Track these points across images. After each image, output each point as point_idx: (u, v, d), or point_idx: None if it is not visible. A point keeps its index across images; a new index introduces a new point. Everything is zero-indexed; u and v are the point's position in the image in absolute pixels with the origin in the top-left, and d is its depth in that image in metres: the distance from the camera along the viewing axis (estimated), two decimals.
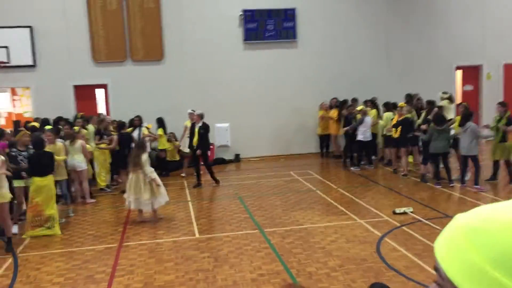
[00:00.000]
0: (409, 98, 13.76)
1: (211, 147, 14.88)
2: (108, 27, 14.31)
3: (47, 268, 6.84)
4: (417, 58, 16.20)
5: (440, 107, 11.84)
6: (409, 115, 11.92)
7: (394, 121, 12.02)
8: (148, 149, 11.82)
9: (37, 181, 8.22)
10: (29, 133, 9.48)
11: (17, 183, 8.57)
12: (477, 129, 10.34)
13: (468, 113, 10.44)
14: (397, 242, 7.23)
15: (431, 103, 12.28)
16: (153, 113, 13.42)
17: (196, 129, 11.39)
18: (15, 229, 8.43)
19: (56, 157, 9.11)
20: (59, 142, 9.76)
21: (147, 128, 12.76)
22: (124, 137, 11.38)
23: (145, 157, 8.76)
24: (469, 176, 10.56)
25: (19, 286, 6.25)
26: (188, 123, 12.37)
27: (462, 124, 10.26)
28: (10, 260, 7.22)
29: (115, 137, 11.51)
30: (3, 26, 13.66)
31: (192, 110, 12.06)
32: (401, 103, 12.64)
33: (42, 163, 8.30)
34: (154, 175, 8.76)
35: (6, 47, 13.62)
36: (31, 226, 8.29)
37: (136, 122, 12.58)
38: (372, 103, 13.93)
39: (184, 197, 10.65)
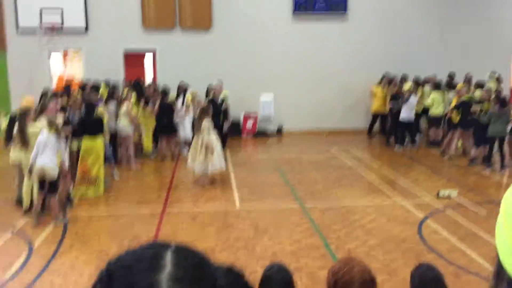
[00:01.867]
0: (465, 79, 13.25)
1: (254, 118, 14.94)
2: None
3: (94, 227, 7.14)
4: (472, 38, 15.55)
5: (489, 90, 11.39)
6: (466, 97, 11.43)
7: (453, 103, 11.68)
8: (191, 116, 11.97)
9: (87, 141, 8.50)
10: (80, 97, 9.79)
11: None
12: None
13: None
14: (440, 225, 7.12)
15: (480, 86, 11.89)
16: (199, 80, 13.48)
17: (221, 102, 10.81)
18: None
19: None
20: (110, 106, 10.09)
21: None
22: (164, 106, 11.49)
23: (206, 123, 9.05)
24: None
25: (68, 242, 6.57)
26: (190, 97, 12.01)
27: None
28: (60, 217, 7.56)
29: (156, 105, 11.65)
30: None
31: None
32: (459, 84, 12.22)
33: (92, 125, 8.60)
34: (210, 141, 9.02)
35: (60, 8, 13.95)
36: (78, 184, 8.62)
37: (181, 88, 12.54)
38: (416, 83, 13.41)
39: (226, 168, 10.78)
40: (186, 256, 0.86)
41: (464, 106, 11.07)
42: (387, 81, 14.19)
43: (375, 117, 14.58)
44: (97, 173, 8.67)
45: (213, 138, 9.19)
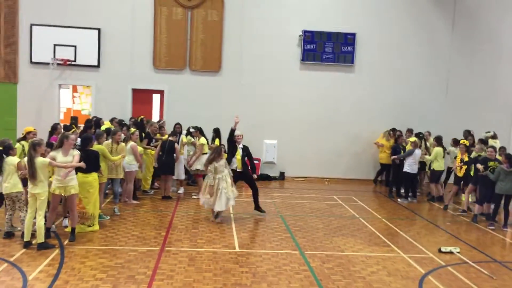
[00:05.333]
0: (468, 135, 13.38)
1: (258, 163, 14.98)
2: (171, 36, 14.77)
3: (91, 263, 7.04)
4: (477, 94, 15.80)
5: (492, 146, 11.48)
6: (477, 154, 11.49)
7: (458, 158, 11.75)
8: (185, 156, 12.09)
9: (80, 177, 8.29)
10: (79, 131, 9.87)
11: None
12: None
13: None
14: (441, 282, 7.00)
15: (484, 142, 11.99)
16: (205, 121, 13.57)
17: (239, 150, 10.51)
18: (65, 222, 8.77)
19: (114, 157, 9.48)
20: (122, 143, 10.13)
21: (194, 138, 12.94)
22: (167, 144, 11.57)
23: (217, 163, 9.57)
24: None
25: (64, 277, 6.46)
26: (189, 139, 12.17)
27: None
28: (57, 251, 7.49)
29: (159, 143, 11.78)
30: (74, 26, 14.36)
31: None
32: (464, 140, 12.34)
33: (87, 161, 8.24)
34: (216, 182, 9.53)
35: (74, 46, 14.30)
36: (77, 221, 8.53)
37: (177, 129, 12.75)
38: (418, 137, 13.52)
39: (227, 211, 10.71)
40: None
41: (475, 163, 11.08)
42: (391, 133, 14.39)
43: (383, 167, 14.69)
44: (91, 211, 8.57)
45: (222, 179, 9.52)
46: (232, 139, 10.33)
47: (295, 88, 15.32)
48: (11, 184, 7.80)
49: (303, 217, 10.50)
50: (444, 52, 15.71)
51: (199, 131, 12.14)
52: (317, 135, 15.44)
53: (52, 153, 7.80)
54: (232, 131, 10.29)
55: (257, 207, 10.59)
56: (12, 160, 7.85)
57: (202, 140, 12.16)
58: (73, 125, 11.54)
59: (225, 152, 10.67)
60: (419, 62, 15.66)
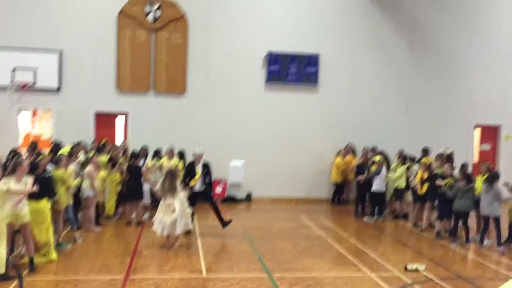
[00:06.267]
0: (425, 153, 13.71)
1: (224, 184, 14.91)
2: (135, 58, 14.66)
3: None
4: (438, 113, 16.27)
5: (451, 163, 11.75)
6: (438, 171, 11.69)
7: (419, 176, 11.95)
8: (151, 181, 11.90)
9: (31, 204, 7.85)
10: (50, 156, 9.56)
11: None
12: (500, 191, 10.21)
13: (495, 174, 10.37)
14: None
15: (448, 159, 12.28)
16: (170, 143, 13.39)
17: (198, 169, 10.55)
18: (23, 250, 8.42)
19: (69, 183, 9.19)
20: (71, 167, 9.83)
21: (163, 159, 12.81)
22: (133, 168, 11.40)
23: (179, 183, 9.47)
24: (490, 242, 10.37)
25: None
26: (166, 161, 12.08)
27: (489, 184, 10.12)
28: (15, 283, 7.16)
29: (124, 167, 11.57)
30: (34, 48, 14.05)
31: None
32: (426, 158, 12.61)
33: (39, 186, 7.80)
34: (173, 203, 9.24)
35: (34, 68, 13.97)
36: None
37: (142, 152, 12.60)
38: (382, 155, 13.79)
39: (193, 233, 10.54)
40: None
41: (433, 179, 11.30)
42: (348, 151, 14.80)
43: (336, 185, 15.11)
44: (43, 239, 8.14)
45: (178, 200, 9.27)
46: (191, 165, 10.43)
47: (261, 108, 15.39)
48: None
49: (271, 239, 10.43)
50: (405, 71, 16.14)
51: (172, 152, 12.22)
52: (284, 155, 15.50)
53: (3, 180, 7.46)
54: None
55: (223, 222, 10.62)
56: None
57: (174, 161, 12.08)
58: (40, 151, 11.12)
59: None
60: (381, 80, 16.03)
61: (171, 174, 9.48)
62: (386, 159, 13.72)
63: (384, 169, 12.73)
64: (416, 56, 16.19)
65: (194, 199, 10.42)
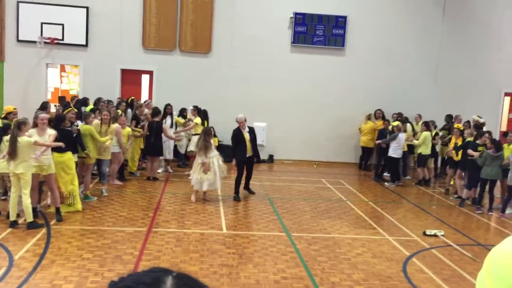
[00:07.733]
0: (449, 119, 13.49)
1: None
2: (161, 16, 14.59)
3: (77, 243, 7.05)
4: (466, 79, 15.86)
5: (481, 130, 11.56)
6: (470, 139, 11.50)
7: (452, 143, 11.82)
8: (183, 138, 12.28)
9: (55, 156, 8.12)
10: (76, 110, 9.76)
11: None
12: None
13: None
14: (425, 264, 7.11)
15: (478, 128, 12.08)
16: (194, 102, 13.52)
17: (245, 134, 10.15)
18: (49, 201, 8.73)
19: (102, 138, 9.40)
20: (113, 124, 10.07)
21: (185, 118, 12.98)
22: (153, 125, 11.52)
23: (206, 143, 9.55)
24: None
25: (50, 257, 6.46)
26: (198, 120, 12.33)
27: None
28: (43, 231, 7.47)
29: (145, 124, 11.72)
30: (62, 4, 14.11)
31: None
32: (458, 124, 12.43)
33: (62, 140, 8.05)
34: (207, 161, 9.52)
35: (61, 24, 14.08)
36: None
37: (168, 110, 12.72)
38: (404, 120, 13.64)
39: (215, 192, 10.74)
40: (185, 282, 0.91)
41: (466, 147, 11.12)
42: (378, 116, 14.57)
43: (364, 150, 14.88)
44: (68, 190, 8.41)
45: (212, 159, 9.56)
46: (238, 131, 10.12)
47: (285, 70, 15.26)
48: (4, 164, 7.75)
49: (291, 200, 10.56)
50: (435, 37, 15.69)
51: (197, 111, 12.37)
52: (307, 118, 15.44)
53: (28, 133, 7.66)
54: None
55: (248, 188, 10.74)
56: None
57: (197, 120, 12.24)
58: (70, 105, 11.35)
59: (214, 135, 10.73)
60: (409, 46, 15.64)
61: (205, 133, 9.68)
62: (411, 126, 13.57)
63: (402, 135, 12.57)
64: (448, 24, 15.68)
65: (242, 164, 10.19)
